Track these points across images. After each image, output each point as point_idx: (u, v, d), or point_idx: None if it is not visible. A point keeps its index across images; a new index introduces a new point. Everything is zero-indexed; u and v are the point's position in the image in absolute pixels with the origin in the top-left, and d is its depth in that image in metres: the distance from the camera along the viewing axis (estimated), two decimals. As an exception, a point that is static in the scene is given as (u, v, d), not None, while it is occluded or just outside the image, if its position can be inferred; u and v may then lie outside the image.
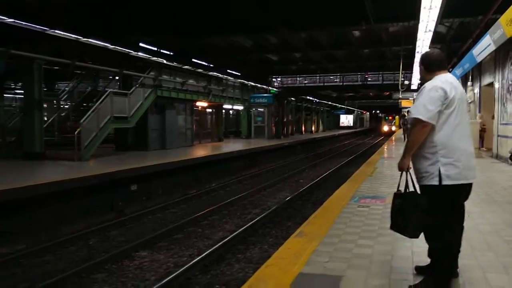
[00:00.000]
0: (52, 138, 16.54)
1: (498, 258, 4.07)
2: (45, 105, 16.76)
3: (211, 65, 25.65)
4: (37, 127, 13.95)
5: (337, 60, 27.85)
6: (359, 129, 68.15)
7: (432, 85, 3.22)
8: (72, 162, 13.10)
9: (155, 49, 19.81)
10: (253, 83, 31.12)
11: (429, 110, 3.11)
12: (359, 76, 37.50)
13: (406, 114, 20.59)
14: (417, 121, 3.14)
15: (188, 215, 10.18)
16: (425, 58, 3.50)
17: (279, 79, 38.65)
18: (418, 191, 3.33)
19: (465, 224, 3.43)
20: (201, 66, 24.20)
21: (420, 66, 3.56)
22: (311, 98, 44.73)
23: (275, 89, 34.64)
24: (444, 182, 3.13)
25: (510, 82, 13.26)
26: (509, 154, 10.38)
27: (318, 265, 3.91)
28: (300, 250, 4.34)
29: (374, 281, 3.50)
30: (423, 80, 3.48)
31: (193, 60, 23.32)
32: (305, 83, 38.80)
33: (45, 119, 16.85)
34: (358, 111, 75.73)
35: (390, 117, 67.48)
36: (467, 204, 3.42)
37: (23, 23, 12.93)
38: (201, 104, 24.38)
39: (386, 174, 10.91)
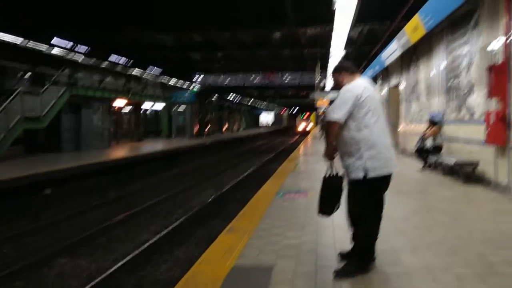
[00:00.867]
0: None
1: (408, 241, 4.57)
2: None
3: (131, 62, 25.03)
4: None
5: (259, 60, 28.41)
6: (278, 127, 69.35)
7: (348, 88, 3.63)
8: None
9: (72, 43, 18.96)
10: (174, 81, 30.75)
11: (340, 111, 3.52)
12: (279, 75, 38.44)
13: (323, 115, 21.57)
14: (329, 122, 3.57)
15: (109, 219, 9.82)
16: (340, 67, 3.92)
17: (201, 77, 38.55)
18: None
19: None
20: (120, 63, 23.55)
21: (340, 73, 3.87)
22: (232, 97, 45.09)
23: (197, 87, 34.52)
24: (370, 175, 3.51)
25: (413, 84, 14.46)
26: (414, 149, 11.35)
27: (250, 258, 4.12)
28: (231, 245, 4.52)
29: (302, 269, 3.78)
30: (341, 85, 3.82)
31: (112, 56, 22.60)
32: (227, 82, 39.03)
33: None
34: (277, 110, 77.20)
35: (305, 115, 65.18)
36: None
37: None
38: (119, 103, 23.60)
39: (306, 169, 11.44)
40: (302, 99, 55.71)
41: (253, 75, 38.06)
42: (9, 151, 14.91)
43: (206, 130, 34.54)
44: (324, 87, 30.94)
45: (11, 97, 14.17)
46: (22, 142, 17.56)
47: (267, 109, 70.87)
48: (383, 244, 4.06)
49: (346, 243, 4.01)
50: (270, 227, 5.25)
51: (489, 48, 8.25)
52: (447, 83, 10.85)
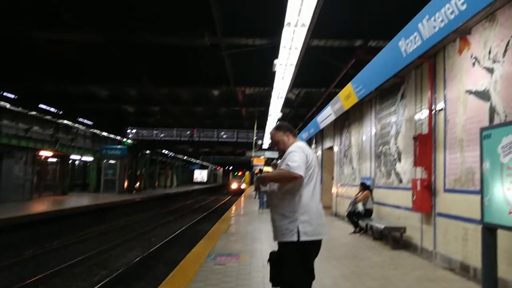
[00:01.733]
0: None
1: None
2: None
3: (60, 112, 24.11)
4: None
5: (195, 116, 28.47)
6: (212, 185, 68.71)
7: (298, 148, 3.62)
8: None
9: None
10: (106, 134, 29.93)
11: (303, 167, 3.49)
12: (215, 132, 38.71)
13: (260, 172, 21.70)
14: (296, 175, 3.44)
15: (23, 280, 8.86)
16: (287, 127, 3.92)
17: (134, 130, 37.90)
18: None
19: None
20: (49, 112, 22.61)
21: (285, 133, 3.87)
22: (166, 152, 44.51)
23: (129, 141, 33.78)
24: (302, 238, 3.48)
25: (346, 148, 15.03)
26: (346, 213, 11.59)
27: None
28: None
29: None
30: (283, 144, 3.83)
31: (40, 105, 21.71)
32: (162, 137, 38.62)
33: None
34: (212, 167, 76.92)
35: (239, 173, 61.96)
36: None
37: None
38: (45, 153, 22.46)
39: (239, 231, 11.25)
40: (238, 156, 55.95)
41: (189, 131, 38.08)
42: None
43: (137, 185, 33.43)
44: (261, 145, 31.38)
45: None
46: None
47: (202, 166, 70.42)
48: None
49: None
50: (200, 293, 5.00)
51: (415, 119, 8.79)
52: (377, 149, 11.36)
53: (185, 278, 5.71)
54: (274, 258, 3.65)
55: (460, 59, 7.04)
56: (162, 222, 20.34)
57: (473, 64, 6.61)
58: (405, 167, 9.28)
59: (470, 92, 6.68)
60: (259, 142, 31.01)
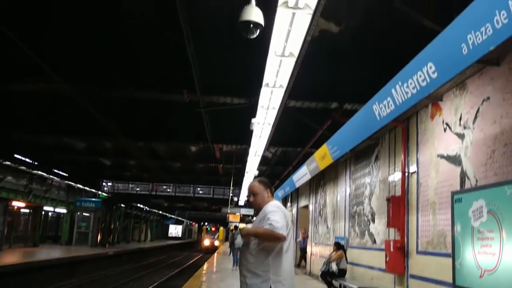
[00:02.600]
0: None
1: None
2: None
3: (35, 163, 23.73)
4: None
5: (172, 171, 28.30)
6: (187, 240, 67.34)
7: (277, 208, 3.59)
8: None
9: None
10: (81, 186, 29.42)
11: (286, 229, 3.47)
12: (191, 187, 38.41)
13: (235, 229, 21.41)
14: (280, 235, 3.40)
15: None
16: (268, 184, 3.88)
17: (110, 183, 37.34)
18: None
19: None
20: (24, 162, 22.23)
21: (266, 190, 3.81)
22: (141, 206, 43.75)
23: (104, 194, 33.21)
24: None
25: (321, 207, 15.06)
26: (320, 273, 11.43)
27: None
28: None
29: None
30: (261, 204, 3.75)
31: (15, 155, 21.35)
32: (137, 191, 38.09)
33: None
34: (187, 222, 75.67)
35: (213, 228, 58.58)
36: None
37: None
38: (18, 204, 21.91)
39: (212, 288, 10.97)
40: (213, 212, 55.11)
41: (164, 186, 37.74)
42: None
43: (110, 239, 32.51)
44: (237, 202, 31.17)
45: None
46: None
47: (177, 221, 69.14)
48: None
49: None
50: None
51: (388, 181, 8.94)
52: (351, 209, 11.42)
53: None
54: None
55: (432, 124, 7.30)
56: (134, 277, 19.75)
57: (445, 129, 6.86)
58: (379, 227, 9.31)
59: (442, 156, 6.87)
60: (235, 199, 30.83)
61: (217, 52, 8.48)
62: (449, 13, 4.92)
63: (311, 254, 16.28)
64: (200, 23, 7.40)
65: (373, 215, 9.79)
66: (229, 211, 29.70)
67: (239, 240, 16.76)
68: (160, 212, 54.42)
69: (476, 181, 5.83)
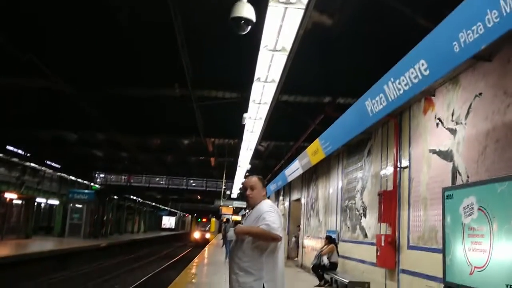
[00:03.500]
0: None
1: None
2: None
3: (28, 154, 23.61)
4: None
5: (165, 164, 28.26)
6: (181, 232, 67.38)
7: (272, 208, 3.61)
8: None
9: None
10: (74, 178, 29.31)
11: (281, 230, 3.49)
12: (184, 180, 38.38)
13: (227, 222, 21.44)
14: (277, 236, 3.41)
15: None
16: (264, 183, 3.90)
17: (102, 175, 37.22)
18: None
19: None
20: (17, 154, 22.11)
21: (262, 187, 3.81)
22: (134, 197, 43.69)
23: (97, 185, 33.12)
24: None
25: (313, 200, 15.09)
26: (311, 266, 11.48)
27: None
28: None
29: None
30: (256, 200, 3.75)
31: (8, 147, 21.23)
32: (130, 183, 37.99)
33: None
34: (180, 214, 75.72)
35: (204, 219, 52.59)
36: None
37: None
38: (10, 195, 21.83)
39: (205, 281, 10.98)
40: (206, 205, 54.98)
41: (157, 178, 37.67)
42: None
43: (103, 230, 32.48)
44: (230, 195, 31.21)
45: None
46: None
47: (171, 213, 69.19)
48: None
49: None
50: None
51: (380, 176, 8.94)
52: (343, 203, 11.43)
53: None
54: None
55: (424, 119, 7.29)
56: (127, 269, 19.75)
57: (437, 124, 6.85)
58: (370, 222, 9.33)
59: (434, 151, 6.87)
60: (228, 192, 30.87)
61: (208, 46, 8.40)
62: (441, 10, 4.88)
63: (303, 247, 16.33)
64: (191, 17, 7.32)
65: (364, 209, 9.80)
66: (222, 203, 29.77)
67: (231, 233, 16.78)
68: (154, 204, 54.36)
69: (468, 177, 5.84)
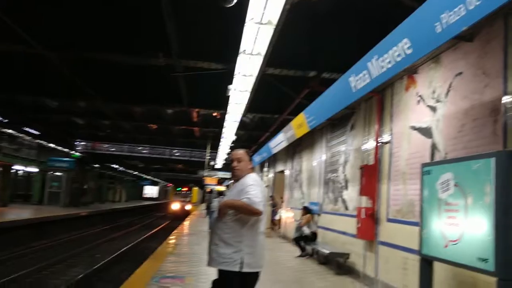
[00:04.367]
0: None
1: None
2: None
3: (4, 121, 23.16)
4: None
5: (148, 133, 28.08)
6: (163, 201, 67.45)
7: (256, 182, 3.69)
8: None
9: None
10: (53, 145, 28.94)
11: (263, 202, 3.57)
12: (168, 149, 38.25)
13: (211, 192, 21.59)
14: (257, 210, 3.49)
15: None
16: (251, 157, 4.00)
17: (83, 143, 36.85)
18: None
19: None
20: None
21: (247, 160, 3.93)
22: (116, 166, 43.46)
23: (78, 154, 32.82)
24: (244, 270, 3.51)
25: (297, 173, 15.29)
26: (294, 238, 11.76)
27: None
28: None
29: None
30: (242, 172, 3.85)
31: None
32: (112, 151, 37.71)
33: None
34: (163, 183, 75.66)
35: (184, 189, 48.53)
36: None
37: None
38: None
39: (186, 251, 11.13)
40: (190, 174, 54.90)
41: (140, 147, 37.46)
42: None
43: (83, 199, 32.37)
44: (214, 166, 31.28)
45: None
46: None
47: (153, 182, 69.15)
48: None
49: None
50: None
51: (362, 150, 9.12)
52: (326, 175, 11.63)
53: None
54: (215, 286, 3.66)
55: (406, 96, 7.42)
56: (108, 238, 19.81)
57: (418, 101, 6.98)
58: (352, 195, 9.56)
59: (414, 128, 7.03)
60: (212, 162, 30.93)
61: (195, 17, 8.31)
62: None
63: (285, 218, 16.63)
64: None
65: (346, 182, 10.01)
66: (206, 174, 29.84)
67: (215, 204, 16.95)
68: (136, 173, 54.18)
69: (446, 153, 6.02)
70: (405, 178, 7.16)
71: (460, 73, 5.86)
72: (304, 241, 11.22)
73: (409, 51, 4.42)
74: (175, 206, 40.48)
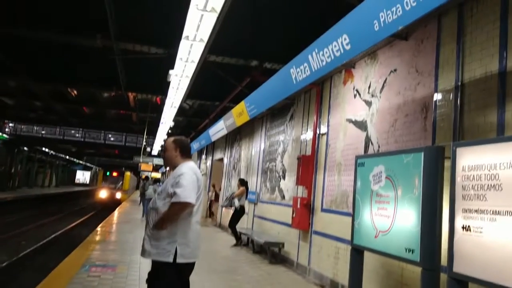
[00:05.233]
0: None
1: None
2: None
3: None
4: None
5: (81, 116, 26.94)
6: (96, 187, 65.38)
7: (189, 171, 3.57)
8: None
9: None
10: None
11: (193, 193, 3.47)
12: (102, 134, 37.02)
13: (146, 179, 21.14)
14: (187, 204, 3.41)
15: None
16: (183, 143, 3.84)
17: (11, 124, 34.82)
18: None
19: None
20: None
21: (175, 149, 3.80)
22: (46, 149, 41.46)
23: (5, 135, 30.97)
24: (178, 260, 3.44)
25: (235, 161, 15.33)
26: (223, 205, 11.94)
27: None
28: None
29: None
30: (171, 161, 3.79)
31: None
32: (43, 134, 35.92)
33: None
34: (96, 168, 73.21)
35: (114, 174, 41.89)
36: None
37: None
38: None
39: (118, 240, 10.88)
40: (125, 160, 53.42)
41: (73, 130, 35.98)
42: None
43: (10, 183, 30.68)
44: (150, 152, 30.61)
45: None
46: None
47: (86, 167, 66.73)
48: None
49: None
50: (71, 310, 4.74)
51: (301, 140, 9.29)
52: (264, 165, 11.75)
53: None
54: (151, 278, 3.59)
55: (344, 89, 7.62)
56: (36, 225, 18.95)
57: (355, 95, 7.20)
58: (289, 184, 9.73)
59: (350, 120, 7.25)
60: (148, 149, 30.25)
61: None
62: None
63: (221, 207, 16.65)
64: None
65: (284, 172, 10.17)
66: (141, 160, 29.17)
67: (150, 191, 16.64)
68: (67, 157, 52.02)
69: (379, 146, 6.27)
70: (340, 169, 7.38)
71: (395, 70, 6.10)
72: (235, 231, 11.30)
73: (348, 47, 4.52)
74: (103, 193, 35.87)
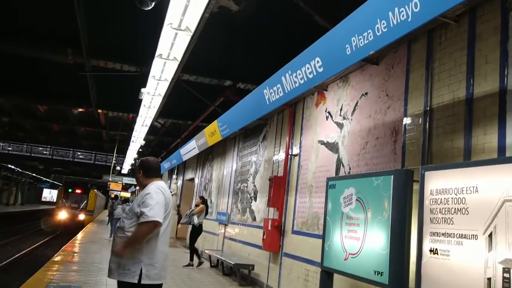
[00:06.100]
0: None
1: None
2: None
3: None
4: None
5: (50, 133, 26.36)
6: (55, 208, 63.66)
7: (157, 189, 3.50)
8: None
9: None
10: None
11: (161, 212, 3.39)
12: (71, 152, 36.27)
13: (115, 198, 20.71)
14: (154, 222, 3.33)
15: None
16: (144, 164, 3.77)
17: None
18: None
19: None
20: None
21: (138, 170, 3.77)
22: (12, 166, 40.28)
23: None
24: (143, 281, 3.34)
25: (207, 181, 15.21)
26: (183, 222, 11.69)
27: None
28: None
29: None
30: (139, 183, 3.79)
31: None
32: (9, 150, 34.92)
33: None
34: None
35: (78, 191, 30.62)
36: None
37: None
38: None
39: (84, 260, 10.56)
40: (94, 179, 52.28)
41: (41, 147, 35.13)
42: None
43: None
44: (120, 171, 30.06)
45: None
46: None
47: (53, 185, 65.06)
48: None
49: None
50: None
51: (273, 161, 9.29)
52: (236, 185, 11.68)
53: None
54: None
55: (316, 111, 7.69)
56: (-2, 244, 18.15)
57: (327, 117, 7.28)
58: (260, 206, 9.68)
59: (322, 142, 7.30)
60: (118, 167, 29.67)
61: (109, 15, 7.95)
62: (340, 12, 5.17)
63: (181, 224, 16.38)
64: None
65: (255, 193, 10.12)
66: (110, 179, 28.58)
67: (119, 211, 16.29)
68: (34, 174, 50.64)
69: (350, 168, 6.31)
70: (311, 191, 7.39)
71: (366, 94, 6.20)
72: (194, 252, 11.06)
73: (320, 70, 4.58)
74: (62, 215, 28.62)
